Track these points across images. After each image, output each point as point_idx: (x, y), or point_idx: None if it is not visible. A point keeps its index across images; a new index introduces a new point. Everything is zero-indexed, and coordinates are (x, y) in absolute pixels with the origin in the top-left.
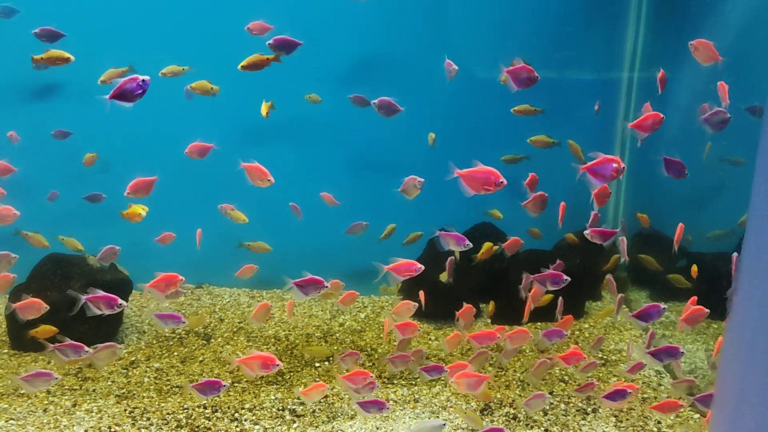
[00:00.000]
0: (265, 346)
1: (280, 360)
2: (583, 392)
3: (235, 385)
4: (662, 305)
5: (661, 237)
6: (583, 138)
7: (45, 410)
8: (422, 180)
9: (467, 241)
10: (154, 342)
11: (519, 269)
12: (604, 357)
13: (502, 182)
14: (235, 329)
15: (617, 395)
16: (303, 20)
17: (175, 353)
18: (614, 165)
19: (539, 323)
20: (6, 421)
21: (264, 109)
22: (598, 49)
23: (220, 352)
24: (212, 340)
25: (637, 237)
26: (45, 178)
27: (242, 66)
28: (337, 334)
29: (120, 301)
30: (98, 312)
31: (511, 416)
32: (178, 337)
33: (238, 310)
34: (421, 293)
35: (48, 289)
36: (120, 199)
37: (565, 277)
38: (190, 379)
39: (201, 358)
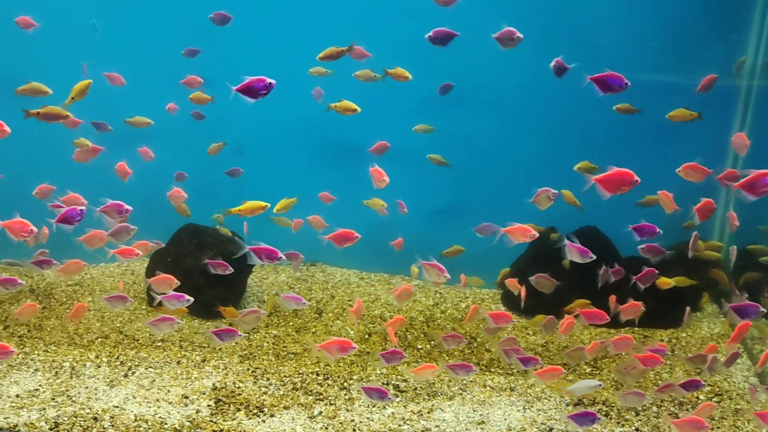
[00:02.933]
0: (371, 324)
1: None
2: (664, 392)
3: (344, 357)
4: (762, 307)
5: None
6: (694, 146)
7: (178, 362)
8: (556, 192)
9: (591, 254)
10: (272, 311)
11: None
12: (699, 367)
13: (636, 181)
14: (344, 306)
15: (691, 385)
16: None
17: (291, 323)
18: None
19: (636, 328)
20: (146, 368)
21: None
22: (716, 54)
23: (331, 326)
24: (323, 315)
25: (743, 252)
26: (185, 157)
27: (320, 57)
28: (439, 320)
29: (280, 254)
30: (259, 262)
31: (603, 413)
32: (294, 309)
33: (348, 288)
34: (523, 289)
35: (184, 255)
36: (249, 179)
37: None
38: (303, 348)
39: (313, 330)
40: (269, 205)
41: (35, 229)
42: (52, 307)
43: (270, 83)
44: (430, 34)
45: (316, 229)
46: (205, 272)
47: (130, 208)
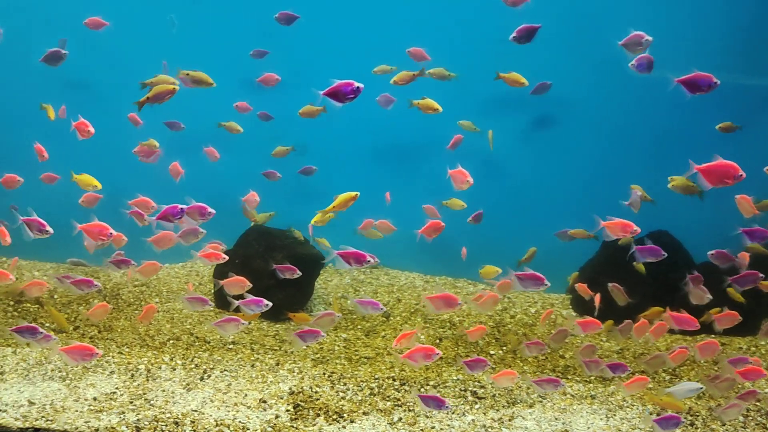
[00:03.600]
0: (441, 329)
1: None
2: (746, 399)
3: None
4: None
5: None
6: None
7: (252, 365)
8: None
9: (662, 252)
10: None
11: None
12: None
13: (741, 175)
14: (411, 310)
15: None
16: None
17: (359, 326)
18: None
19: (712, 335)
20: (221, 372)
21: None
22: None
23: (400, 330)
24: (391, 318)
25: None
26: (246, 158)
27: (394, 81)
28: (509, 326)
29: (368, 257)
30: (348, 266)
31: (688, 422)
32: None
33: (414, 292)
34: (597, 297)
35: (252, 257)
36: (312, 180)
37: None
38: (375, 352)
39: (383, 334)
40: (359, 193)
41: (114, 232)
42: (120, 307)
43: (358, 87)
44: (514, 34)
45: (385, 233)
46: (274, 274)
47: (213, 211)
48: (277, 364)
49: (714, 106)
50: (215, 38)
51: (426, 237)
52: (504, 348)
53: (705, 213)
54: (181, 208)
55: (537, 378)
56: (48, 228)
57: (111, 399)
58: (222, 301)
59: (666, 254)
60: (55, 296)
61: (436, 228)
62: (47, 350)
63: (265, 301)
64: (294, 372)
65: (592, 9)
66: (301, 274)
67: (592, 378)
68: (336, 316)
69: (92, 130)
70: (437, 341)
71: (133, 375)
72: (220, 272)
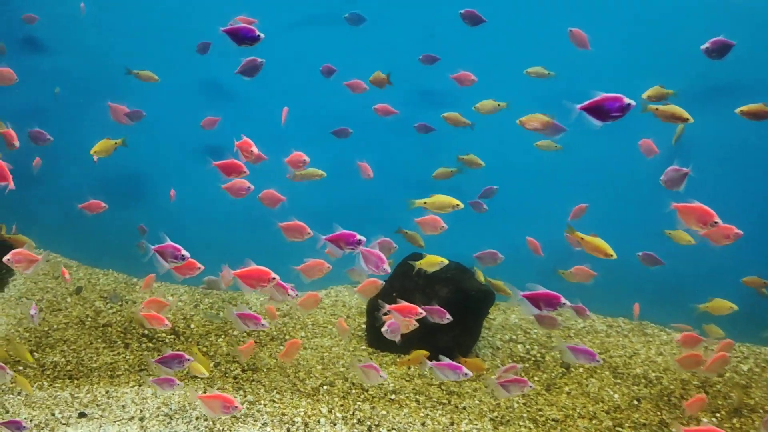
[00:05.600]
0: (635, 387)
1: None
2: None
3: (618, 430)
4: None
5: None
6: None
7: (423, 423)
8: None
9: None
10: (508, 361)
11: None
12: None
13: None
14: None
15: None
16: None
17: (535, 378)
18: None
19: None
20: (388, 430)
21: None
22: None
23: (586, 385)
24: (572, 369)
25: None
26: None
27: (740, 111)
28: (718, 386)
29: (563, 300)
30: (535, 311)
31: None
32: (533, 359)
33: (596, 338)
34: None
35: (412, 292)
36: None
37: None
38: (563, 413)
39: (567, 389)
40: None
41: (277, 276)
42: (262, 341)
43: (628, 104)
44: (707, 45)
45: (583, 281)
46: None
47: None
48: (452, 424)
49: None
50: (374, 45)
51: (713, 242)
52: (717, 414)
53: None
54: (359, 240)
55: None
56: (184, 252)
57: None
58: (376, 337)
59: None
60: (192, 326)
61: (727, 234)
62: (189, 395)
63: (465, 369)
64: None
65: None
66: (451, 319)
67: None
68: (518, 368)
69: (255, 150)
70: (634, 401)
71: (289, 429)
72: (376, 307)
